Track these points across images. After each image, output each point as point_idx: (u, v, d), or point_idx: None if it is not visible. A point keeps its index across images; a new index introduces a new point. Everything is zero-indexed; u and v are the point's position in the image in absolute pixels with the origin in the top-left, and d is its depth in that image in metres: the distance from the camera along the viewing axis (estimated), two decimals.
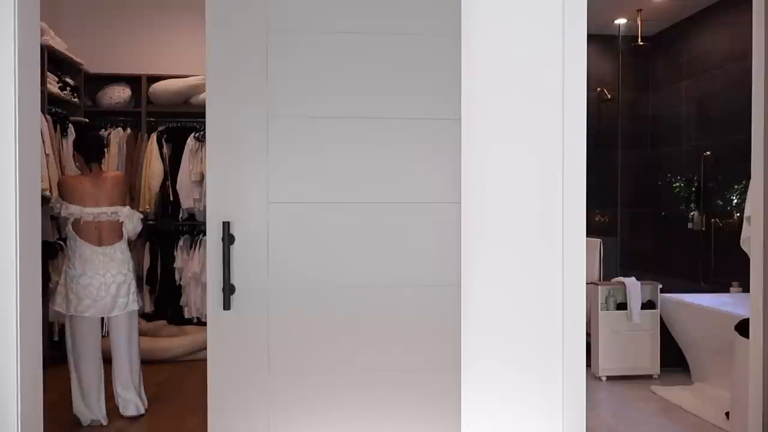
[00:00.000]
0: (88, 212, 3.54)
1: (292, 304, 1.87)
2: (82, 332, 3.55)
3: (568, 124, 2.04)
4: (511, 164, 2.05)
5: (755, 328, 2.61)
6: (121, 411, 3.64)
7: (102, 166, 3.76)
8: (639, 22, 5.50)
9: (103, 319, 3.62)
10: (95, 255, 3.52)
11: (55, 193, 4.35)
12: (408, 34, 1.88)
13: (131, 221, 3.67)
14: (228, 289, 1.81)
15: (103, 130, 5.39)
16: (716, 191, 5.00)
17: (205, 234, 2.09)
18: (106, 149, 4.28)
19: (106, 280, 3.52)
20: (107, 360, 3.68)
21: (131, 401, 3.64)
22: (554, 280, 2.06)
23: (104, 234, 3.57)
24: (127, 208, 3.68)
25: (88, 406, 3.55)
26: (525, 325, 2.06)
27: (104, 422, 3.56)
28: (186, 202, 5.30)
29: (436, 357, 1.91)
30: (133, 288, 3.64)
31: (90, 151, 3.65)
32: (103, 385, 3.61)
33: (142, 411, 3.67)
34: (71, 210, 3.54)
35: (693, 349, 4.35)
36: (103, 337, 3.68)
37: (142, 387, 3.75)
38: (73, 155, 3.82)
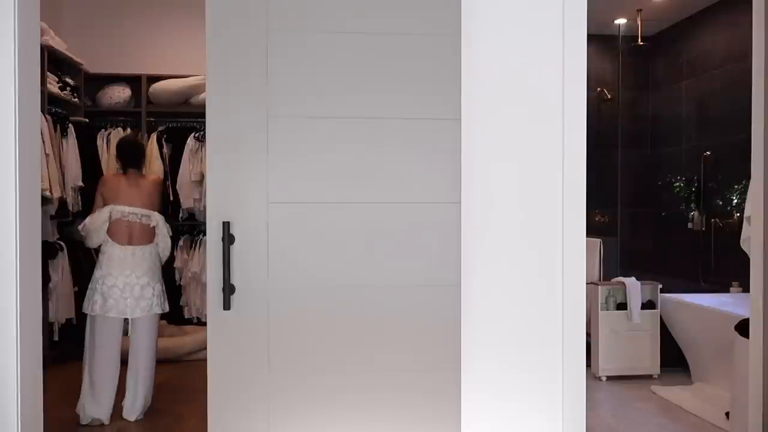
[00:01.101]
0: (119, 210, 3.58)
1: (292, 304, 1.87)
2: (103, 332, 3.55)
3: (568, 124, 2.04)
4: (511, 164, 2.05)
5: (755, 328, 2.61)
6: (124, 414, 3.63)
7: (143, 170, 3.85)
8: (639, 22, 5.50)
9: (126, 320, 3.62)
10: (123, 253, 3.55)
11: (56, 194, 4.37)
12: (408, 34, 1.88)
13: (163, 238, 3.71)
14: (228, 289, 1.81)
15: (102, 129, 5.40)
16: (716, 191, 5.00)
17: (205, 234, 2.09)
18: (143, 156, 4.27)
19: (130, 281, 3.53)
20: (123, 362, 3.70)
21: (138, 404, 3.64)
22: (554, 280, 2.06)
23: (135, 235, 3.61)
24: (162, 219, 3.72)
25: (100, 404, 3.55)
26: (525, 324, 2.06)
27: (106, 422, 3.56)
28: (186, 202, 5.30)
29: (436, 357, 1.91)
30: (158, 291, 3.64)
31: (129, 159, 3.72)
32: (116, 385, 3.60)
33: (141, 417, 3.67)
34: (104, 214, 3.57)
35: (693, 349, 4.35)
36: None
37: (152, 391, 3.74)
38: (116, 159, 3.87)
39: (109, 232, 3.57)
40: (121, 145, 3.85)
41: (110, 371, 3.57)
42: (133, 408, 3.63)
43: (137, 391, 3.63)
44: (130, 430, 3.51)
